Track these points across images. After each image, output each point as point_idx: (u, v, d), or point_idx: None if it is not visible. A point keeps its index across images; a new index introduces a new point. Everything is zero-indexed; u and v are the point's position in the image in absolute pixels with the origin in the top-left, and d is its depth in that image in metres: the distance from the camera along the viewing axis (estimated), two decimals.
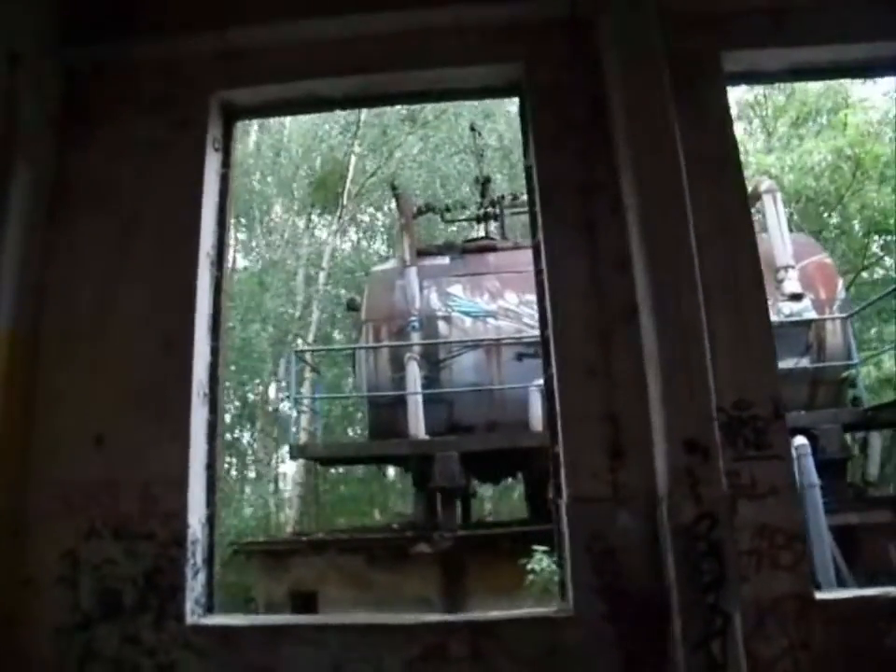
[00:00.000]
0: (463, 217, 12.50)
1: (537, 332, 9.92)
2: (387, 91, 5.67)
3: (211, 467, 4.91)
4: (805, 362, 10.33)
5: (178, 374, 4.82)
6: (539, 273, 5.38)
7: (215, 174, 5.37)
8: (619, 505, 4.52)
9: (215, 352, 5.10)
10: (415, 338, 9.76)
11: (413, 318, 9.77)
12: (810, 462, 7.58)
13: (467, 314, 10.00)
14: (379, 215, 19.20)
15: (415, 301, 9.88)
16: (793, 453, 6.49)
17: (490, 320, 9.94)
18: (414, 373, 9.46)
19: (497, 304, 10.17)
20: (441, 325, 9.88)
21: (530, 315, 9.96)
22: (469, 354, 9.82)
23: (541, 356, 5.25)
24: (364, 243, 19.67)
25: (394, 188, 10.91)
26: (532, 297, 10.41)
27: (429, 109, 15.86)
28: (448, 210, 12.13)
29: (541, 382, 9.73)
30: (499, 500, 19.22)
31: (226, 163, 5.49)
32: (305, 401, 12.56)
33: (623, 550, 4.42)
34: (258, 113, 5.87)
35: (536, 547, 6.33)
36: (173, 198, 5.15)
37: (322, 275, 17.04)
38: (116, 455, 4.69)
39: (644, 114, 4.87)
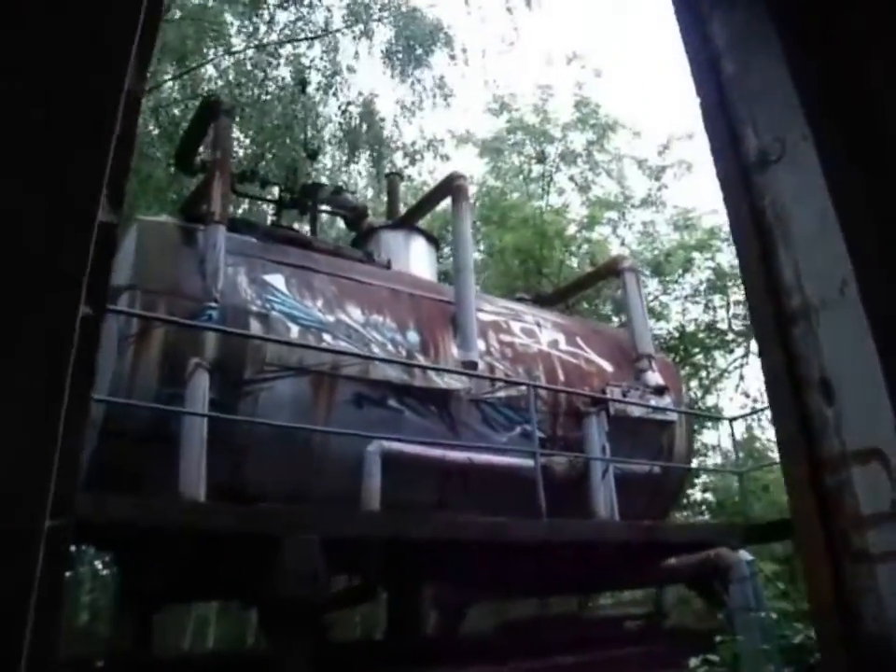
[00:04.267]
0: (261, 194, 9.24)
1: (388, 368, 7.19)
2: None
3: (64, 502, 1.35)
4: (656, 468, 8.99)
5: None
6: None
7: None
8: None
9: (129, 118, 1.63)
10: (211, 335, 6.26)
11: (212, 305, 6.30)
12: None
13: (293, 318, 6.81)
14: None
15: (218, 278, 6.44)
16: None
17: (326, 337, 6.86)
18: (202, 390, 5.93)
19: (335, 316, 7.13)
20: (254, 324, 6.55)
21: (380, 343, 7.19)
22: (289, 381, 6.59)
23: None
24: None
25: (211, 99, 7.40)
26: (383, 319, 7.66)
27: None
28: (245, 177, 8.82)
29: (387, 442, 6.94)
30: None
31: None
32: None
33: None
34: None
35: None
36: None
37: None
38: None
39: None
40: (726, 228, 15.32)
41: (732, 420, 10.55)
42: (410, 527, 5.77)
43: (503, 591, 10.24)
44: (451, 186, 8.85)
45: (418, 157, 16.61)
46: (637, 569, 7.75)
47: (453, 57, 14.22)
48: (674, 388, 9.81)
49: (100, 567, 17.27)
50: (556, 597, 13.21)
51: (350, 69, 13.38)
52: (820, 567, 2.42)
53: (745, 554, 6.67)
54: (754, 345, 16.38)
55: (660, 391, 9.16)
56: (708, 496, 14.39)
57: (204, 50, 12.50)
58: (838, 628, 2.35)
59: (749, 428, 16.38)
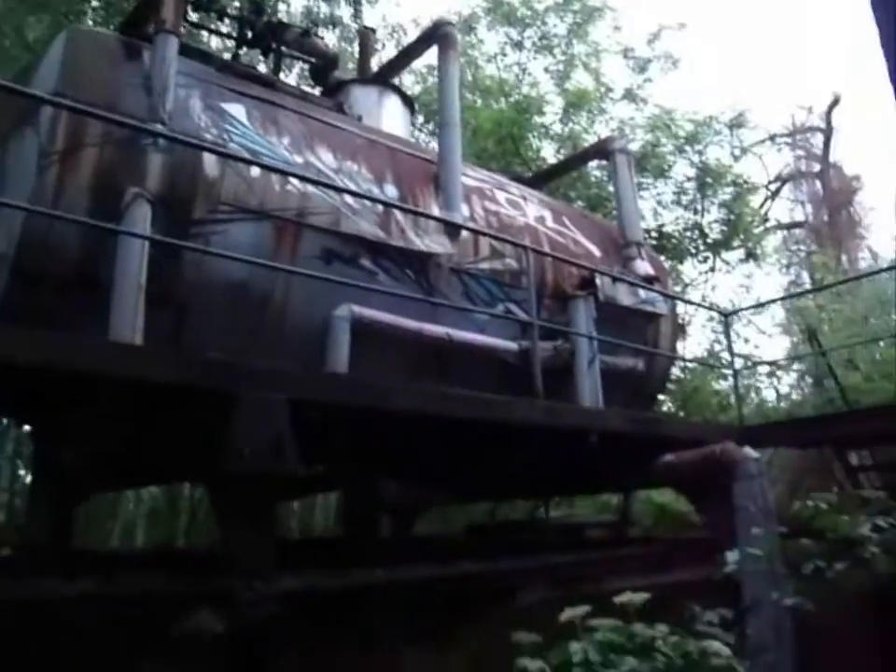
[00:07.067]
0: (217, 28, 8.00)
1: (361, 221, 6.26)
2: None
3: None
4: (640, 364, 8.33)
5: None
6: None
7: None
8: None
9: None
10: (156, 161, 5.24)
11: (160, 124, 5.25)
12: None
13: (254, 154, 5.79)
14: None
15: (166, 98, 5.36)
16: None
17: (293, 180, 5.85)
18: (143, 226, 4.95)
19: (303, 158, 6.13)
20: (208, 157, 5.50)
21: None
22: (247, 225, 5.63)
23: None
24: None
25: None
26: (357, 168, 6.67)
27: None
28: (199, 5, 7.57)
29: (357, 307, 6.05)
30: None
31: None
32: None
33: None
34: None
35: None
36: None
37: None
38: None
39: None
40: (722, 118, 14.58)
41: (727, 315, 10.00)
42: (399, 396, 4.92)
43: (460, 492, 9.61)
44: (437, 33, 7.75)
45: (379, 47, 15.32)
46: (623, 467, 7.12)
47: None
48: (662, 280, 9.13)
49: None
50: (509, 504, 12.74)
51: None
52: None
53: (751, 451, 6.05)
54: (728, 255, 15.82)
55: (649, 281, 8.44)
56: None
57: None
58: None
59: (713, 343, 15.94)
